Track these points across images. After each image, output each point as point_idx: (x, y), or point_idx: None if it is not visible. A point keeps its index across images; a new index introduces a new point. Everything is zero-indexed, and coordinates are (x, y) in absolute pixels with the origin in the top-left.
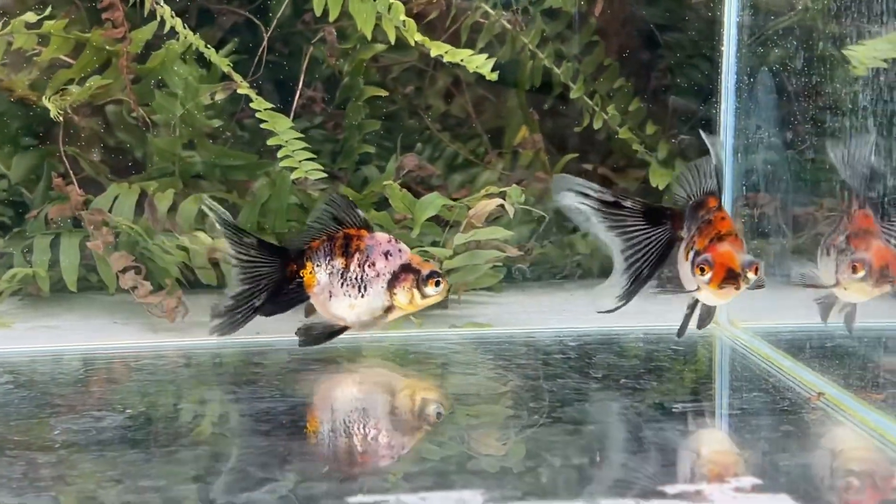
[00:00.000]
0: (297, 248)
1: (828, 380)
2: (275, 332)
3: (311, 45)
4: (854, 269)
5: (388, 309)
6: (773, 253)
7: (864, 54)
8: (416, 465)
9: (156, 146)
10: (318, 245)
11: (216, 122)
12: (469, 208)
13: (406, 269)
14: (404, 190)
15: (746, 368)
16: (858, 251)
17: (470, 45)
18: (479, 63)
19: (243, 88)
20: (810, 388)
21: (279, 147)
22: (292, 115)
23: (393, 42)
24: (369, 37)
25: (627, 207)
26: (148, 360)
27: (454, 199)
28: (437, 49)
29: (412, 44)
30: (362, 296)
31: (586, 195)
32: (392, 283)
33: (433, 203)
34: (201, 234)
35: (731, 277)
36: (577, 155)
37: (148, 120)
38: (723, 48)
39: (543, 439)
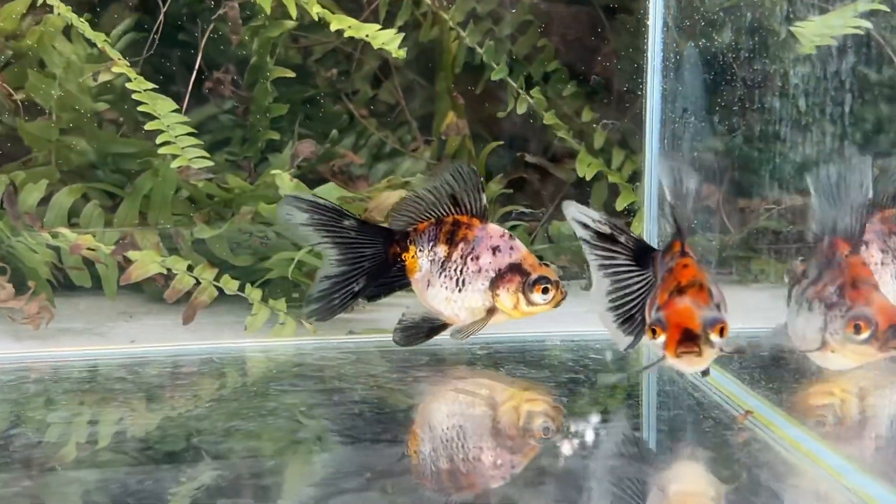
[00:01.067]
0: (402, 230)
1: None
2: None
3: (212, 21)
4: (856, 329)
5: (491, 310)
6: (711, 250)
7: (814, 31)
8: None
9: (26, 132)
10: (424, 227)
11: (101, 106)
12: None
13: (514, 269)
14: (296, 180)
15: (671, 381)
16: (857, 306)
17: (389, 23)
18: (386, 39)
19: (121, 67)
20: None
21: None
22: (187, 98)
23: (311, 19)
24: (268, 10)
25: (620, 244)
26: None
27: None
28: (339, 23)
29: (315, 17)
30: (459, 291)
31: (584, 225)
32: (496, 282)
33: (328, 194)
34: (68, 232)
35: (687, 339)
36: (502, 143)
37: (21, 104)
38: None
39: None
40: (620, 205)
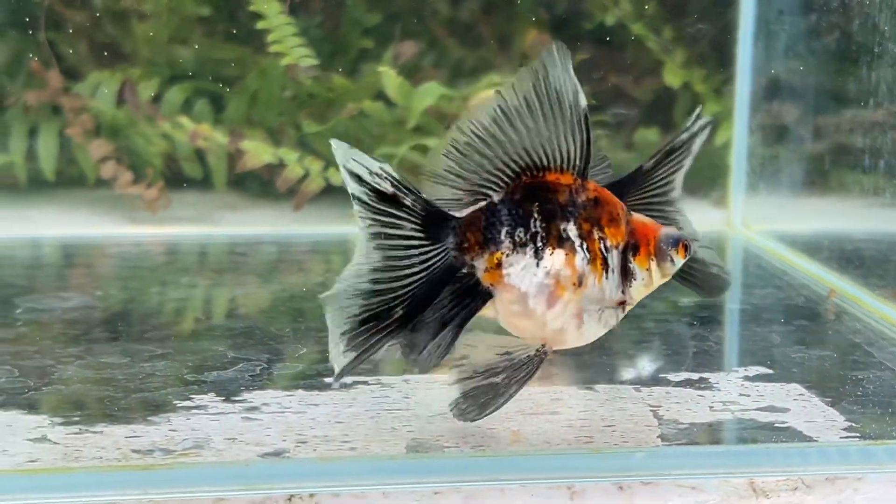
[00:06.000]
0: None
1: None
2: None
3: None
4: None
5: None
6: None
7: None
8: None
9: (139, 34)
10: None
11: (205, 11)
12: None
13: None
14: (401, 77)
15: (760, 268)
16: None
17: None
18: None
19: None
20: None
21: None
22: (288, 6)
23: None
24: None
25: (406, 208)
26: (124, 249)
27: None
28: None
29: None
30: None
31: (359, 178)
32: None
33: (431, 92)
34: (186, 121)
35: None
36: (587, 57)
37: (132, 8)
38: None
39: None
40: (707, 113)
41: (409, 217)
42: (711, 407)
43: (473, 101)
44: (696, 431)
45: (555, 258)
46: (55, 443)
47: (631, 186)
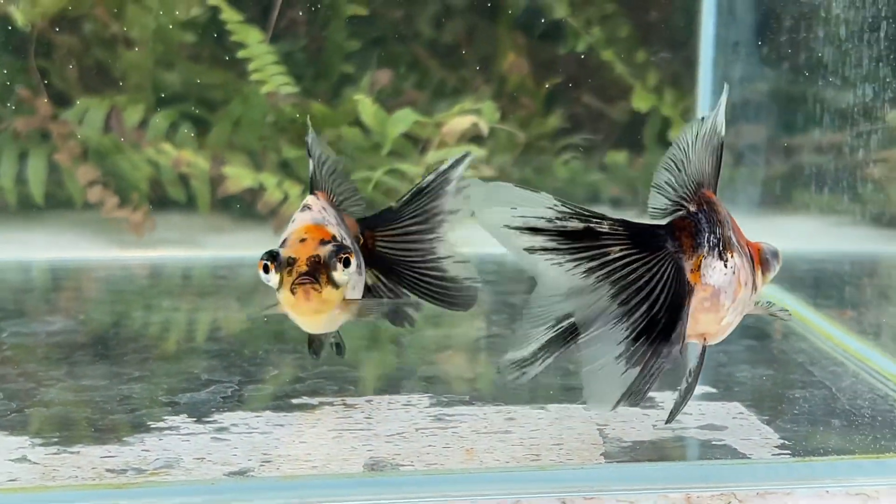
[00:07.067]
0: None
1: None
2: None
3: None
4: None
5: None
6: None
7: None
8: None
9: (126, 61)
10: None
11: (190, 38)
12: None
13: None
14: (377, 104)
15: None
16: None
17: None
18: None
19: None
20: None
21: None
22: (270, 34)
23: None
24: None
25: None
26: (110, 272)
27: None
28: None
29: None
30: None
31: (536, 230)
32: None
33: (405, 119)
34: (169, 147)
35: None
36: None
37: (119, 36)
38: None
39: None
40: (674, 136)
41: (617, 239)
42: (654, 425)
43: (446, 128)
44: (638, 449)
45: (735, 259)
46: (34, 462)
47: (380, 222)
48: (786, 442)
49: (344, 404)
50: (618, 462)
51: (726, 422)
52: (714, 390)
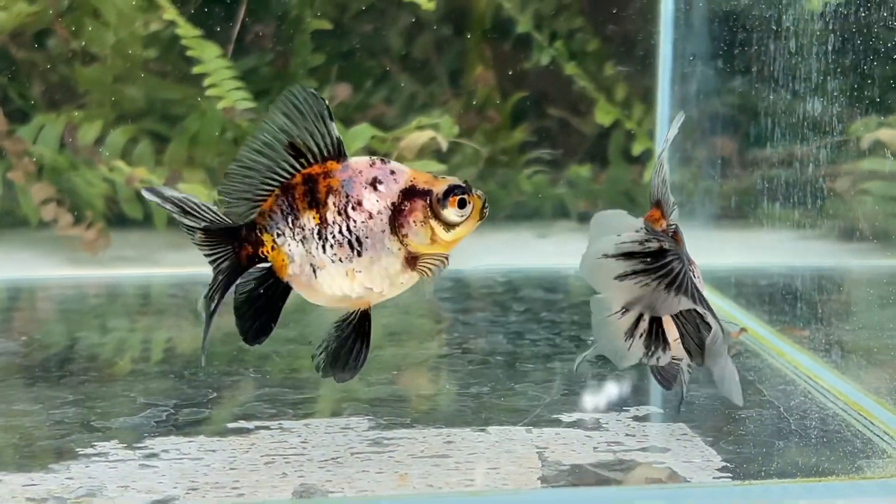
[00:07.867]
0: (245, 222)
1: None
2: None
3: None
4: None
5: (410, 259)
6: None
7: None
8: None
9: (83, 77)
10: (270, 204)
11: (150, 54)
12: (400, 140)
13: (410, 194)
14: (335, 120)
15: None
16: None
17: None
18: None
19: (170, 14)
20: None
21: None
22: (231, 49)
23: None
24: None
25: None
26: (63, 291)
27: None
28: None
29: None
30: (359, 254)
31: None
32: (396, 220)
33: (363, 133)
34: (123, 165)
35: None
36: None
37: (78, 51)
38: None
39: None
40: (636, 150)
41: (666, 248)
42: (596, 448)
43: (404, 143)
44: (577, 473)
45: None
46: None
47: None
48: (728, 465)
49: (280, 428)
50: (552, 486)
51: (670, 443)
52: (660, 411)
